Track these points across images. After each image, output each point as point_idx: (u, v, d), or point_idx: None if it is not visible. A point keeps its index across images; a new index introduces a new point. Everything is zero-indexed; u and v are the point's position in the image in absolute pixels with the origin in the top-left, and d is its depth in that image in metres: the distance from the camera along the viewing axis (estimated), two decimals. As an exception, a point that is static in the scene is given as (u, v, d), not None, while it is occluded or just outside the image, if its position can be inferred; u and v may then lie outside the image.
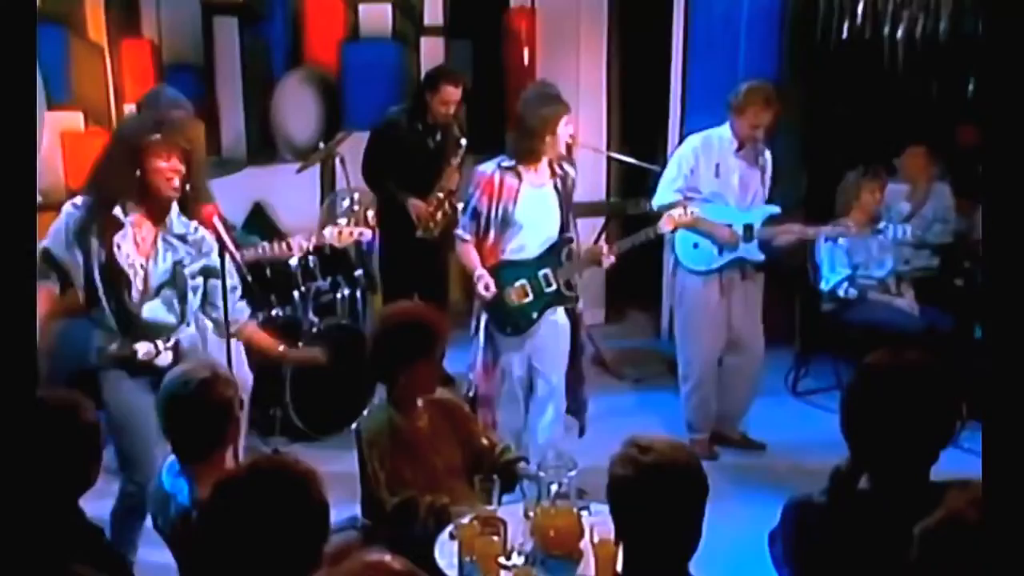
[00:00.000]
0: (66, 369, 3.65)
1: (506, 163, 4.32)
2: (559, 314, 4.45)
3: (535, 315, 4.39)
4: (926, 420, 2.21)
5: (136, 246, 3.53)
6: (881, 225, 5.50)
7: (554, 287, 4.39)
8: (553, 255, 4.40)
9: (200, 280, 3.64)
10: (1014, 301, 1.80)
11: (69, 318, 3.67)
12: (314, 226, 4.80)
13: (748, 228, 4.88)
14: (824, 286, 5.60)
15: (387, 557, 1.71)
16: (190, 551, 2.63)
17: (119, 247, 3.49)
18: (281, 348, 3.94)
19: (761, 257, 4.96)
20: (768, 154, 4.99)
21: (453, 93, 5.55)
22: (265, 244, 4.40)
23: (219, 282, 3.55)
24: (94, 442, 2.53)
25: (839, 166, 5.70)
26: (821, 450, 4.46)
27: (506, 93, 6.82)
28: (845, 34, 6.23)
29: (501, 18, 6.90)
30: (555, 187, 4.38)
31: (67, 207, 3.56)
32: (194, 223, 3.60)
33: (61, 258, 3.52)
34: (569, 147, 4.66)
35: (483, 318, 4.46)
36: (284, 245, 4.24)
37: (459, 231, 4.48)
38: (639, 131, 6.76)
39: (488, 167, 4.36)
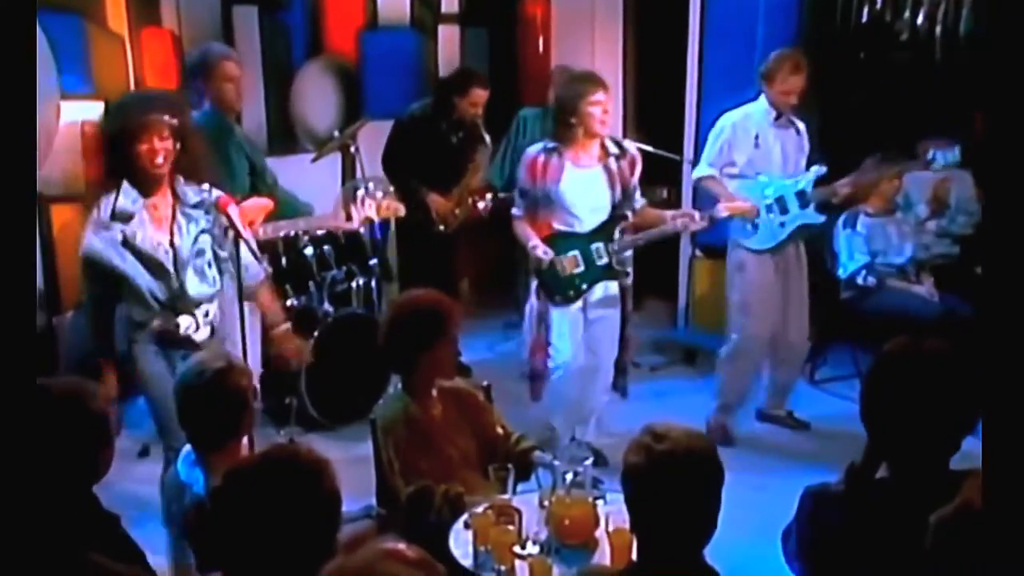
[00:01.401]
0: (77, 358, 3.67)
1: (550, 145, 4.47)
2: (612, 288, 4.58)
3: (584, 286, 4.53)
4: (945, 408, 2.18)
5: (157, 225, 3.59)
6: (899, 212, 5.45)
7: (605, 260, 4.52)
8: (606, 231, 4.50)
9: (230, 238, 3.66)
10: (1014, 291, 1.78)
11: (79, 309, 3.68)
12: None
13: (801, 194, 4.87)
14: (842, 273, 5.56)
15: (402, 546, 1.70)
16: (204, 540, 2.64)
17: (136, 234, 3.53)
18: (284, 327, 3.96)
19: (821, 218, 4.96)
20: (801, 124, 5.00)
21: (482, 95, 5.60)
22: (321, 215, 4.41)
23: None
24: (103, 430, 2.47)
25: (858, 152, 5.63)
26: (839, 439, 4.49)
27: (521, 81, 6.80)
28: (865, 18, 6.17)
29: (516, 5, 6.88)
30: (606, 167, 4.47)
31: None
32: (206, 185, 3.64)
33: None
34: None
35: (533, 286, 4.59)
36: (343, 215, 4.17)
37: (513, 209, 4.65)
38: (655, 118, 6.71)
39: (534, 148, 4.52)
